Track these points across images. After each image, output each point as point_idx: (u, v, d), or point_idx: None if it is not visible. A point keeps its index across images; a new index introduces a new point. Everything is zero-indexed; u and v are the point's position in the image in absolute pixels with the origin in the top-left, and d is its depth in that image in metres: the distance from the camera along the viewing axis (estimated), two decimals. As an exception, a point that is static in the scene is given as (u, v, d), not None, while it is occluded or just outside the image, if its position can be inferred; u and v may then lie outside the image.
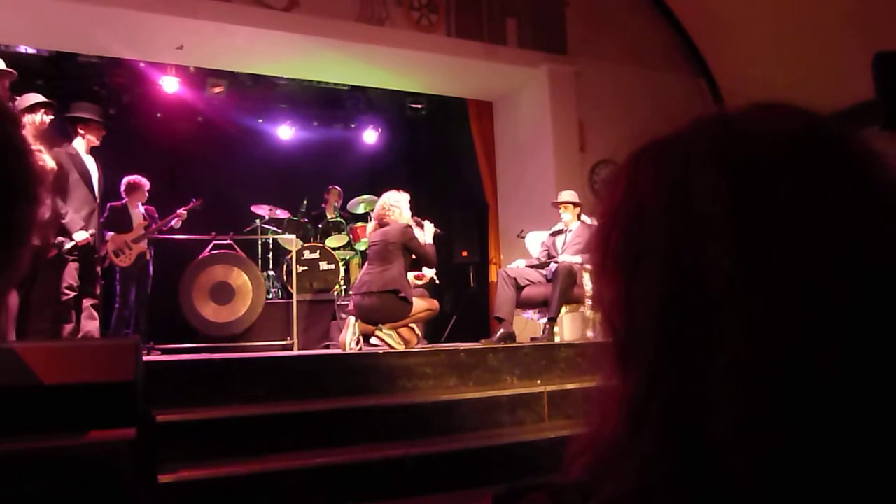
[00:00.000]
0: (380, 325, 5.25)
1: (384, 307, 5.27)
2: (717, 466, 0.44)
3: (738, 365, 0.44)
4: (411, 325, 5.47)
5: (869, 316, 0.43)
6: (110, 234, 6.29)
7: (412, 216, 5.72)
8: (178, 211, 6.76)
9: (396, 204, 5.59)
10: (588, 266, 5.79)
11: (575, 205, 6.21)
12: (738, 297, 0.44)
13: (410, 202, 5.74)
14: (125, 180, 6.63)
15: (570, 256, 5.93)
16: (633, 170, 0.53)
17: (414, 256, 5.55)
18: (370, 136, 9.80)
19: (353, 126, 9.83)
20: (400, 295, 5.26)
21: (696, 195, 0.47)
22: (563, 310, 5.90)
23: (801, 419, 0.43)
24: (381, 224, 5.59)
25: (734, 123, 0.51)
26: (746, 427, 0.43)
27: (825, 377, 0.43)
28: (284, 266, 7.62)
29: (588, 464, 0.51)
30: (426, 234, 5.72)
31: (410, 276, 5.78)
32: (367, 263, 5.61)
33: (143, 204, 6.69)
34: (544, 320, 5.88)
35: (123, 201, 6.56)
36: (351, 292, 5.85)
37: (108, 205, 6.36)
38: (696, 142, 0.50)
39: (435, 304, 5.72)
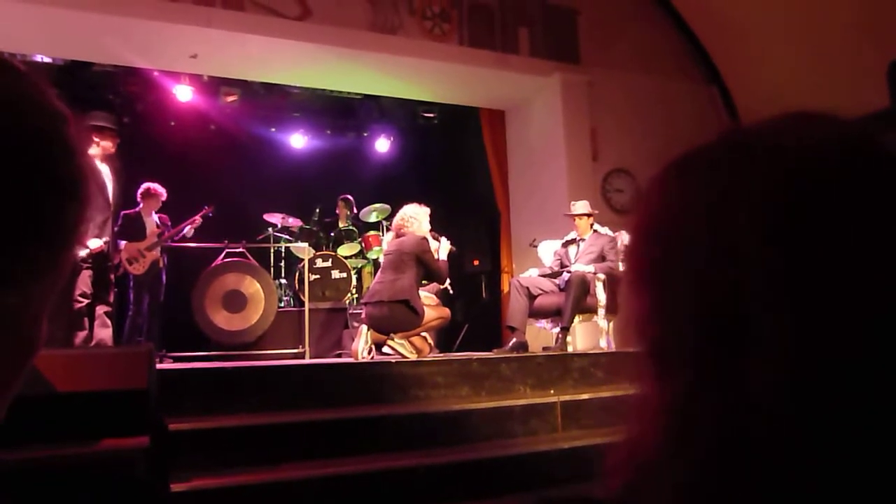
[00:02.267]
0: (391, 335, 5.24)
1: (394, 317, 5.25)
2: (762, 472, 0.44)
3: (778, 375, 0.44)
4: (423, 333, 5.46)
5: None
6: (123, 242, 6.31)
7: (430, 231, 5.70)
8: (194, 217, 6.78)
9: (416, 216, 5.57)
10: (601, 276, 5.81)
11: (588, 215, 6.19)
12: (776, 310, 0.44)
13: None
14: (142, 187, 6.63)
15: (583, 266, 5.91)
16: (666, 185, 0.53)
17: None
18: (382, 145, 9.81)
19: (365, 134, 9.86)
20: (410, 305, 5.25)
21: (731, 210, 0.47)
22: (576, 319, 5.87)
23: (845, 427, 0.43)
24: (399, 235, 5.58)
25: (765, 135, 0.50)
26: (788, 433, 0.44)
27: (863, 388, 0.43)
28: (297, 274, 7.63)
29: (627, 479, 0.51)
30: (441, 250, 5.70)
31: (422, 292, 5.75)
32: (379, 272, 5.60)
33: (156, 212, 6.71)
34: (557, 330, 5.85)
35: (137, 209, 6.57)
36: (362, 301, 5.85)
37: (122, 213, 6.37)
38: (728, 155, 0.50)
39: (447, 312, 5.70)
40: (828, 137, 0.49)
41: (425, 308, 5.39)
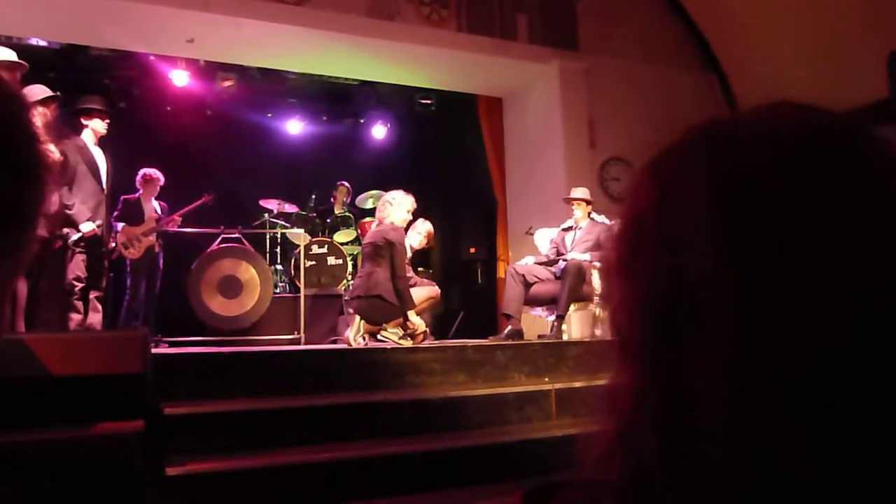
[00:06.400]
0: (383, 325, 5.26)
1: (374, 310, 5.26)
2: (701, 461, 0.45)
3: (719, 364, 0.45)
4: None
5: (847, 322, 0.43)
6: (121, 225, 6.31)
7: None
8: (192, 205, 6.77)
9: (390, 200, 5.53)
10: (597, 264, 5.81)
11: (587, 202, 6.18)
12: (719, 300, 0.45)
13: (418, 200, 5.69)
14: (141, 173, 6.64)
15: (579, 254, 5.91)
16: (638, 180, 0.55)
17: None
18: (379, 132, 9.78)
19: (361, 121, 9.82)
20: (383, 299, 5.23)
21: (683, 201, 0.49)
22: (572, 307, 5.88)
23: (777, 417, 0.44)
24: (380, 223, 5.56)
25: (732, 126, 0.51)
26: (726, 424, 0.44)
27: (797, 374, 0.43)
28: (292, 260, 7.62)
29: (597, 460, 0.53)
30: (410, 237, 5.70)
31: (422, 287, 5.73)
32: (360, 264, 5.60)
33: (156, 199, 6.70)
34: (552, 317, 5.86)
35: (137, 195, 6.58)
36: (347, 296, 5.84)
37: (122, 197, 6.41)
38: (689, 148, 0.52)
39: (436, 291, 5.72)
40: (780, 128, 0.49)
41: (414, 289, 5.37)
